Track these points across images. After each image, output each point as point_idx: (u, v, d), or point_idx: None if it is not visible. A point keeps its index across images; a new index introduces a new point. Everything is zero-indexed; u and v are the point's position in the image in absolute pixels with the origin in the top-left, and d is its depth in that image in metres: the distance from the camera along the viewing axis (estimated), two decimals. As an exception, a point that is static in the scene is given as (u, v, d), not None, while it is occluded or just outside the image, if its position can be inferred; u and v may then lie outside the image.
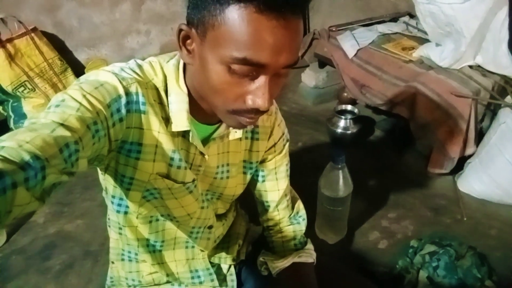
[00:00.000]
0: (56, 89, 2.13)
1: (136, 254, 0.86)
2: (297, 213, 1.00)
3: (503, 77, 1.63)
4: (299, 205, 1.01)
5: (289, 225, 0.98)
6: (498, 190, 1.51)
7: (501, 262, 1.31)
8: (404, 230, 1.47)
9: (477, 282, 1.19)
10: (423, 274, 1.23)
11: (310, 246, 0.98)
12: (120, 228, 0.81)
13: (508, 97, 1.55)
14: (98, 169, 0.72)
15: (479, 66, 1.66)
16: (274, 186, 0.92)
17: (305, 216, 1.00)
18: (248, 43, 0.51)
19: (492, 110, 1.66)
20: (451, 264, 1.22)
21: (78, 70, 2.36)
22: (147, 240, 0.81)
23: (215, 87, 0.56)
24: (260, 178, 0.92)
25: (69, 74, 2.24)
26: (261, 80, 0.54)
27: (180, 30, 0.58)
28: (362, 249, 1.39)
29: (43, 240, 1.43)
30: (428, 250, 1.28)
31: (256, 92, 0.55)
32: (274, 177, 0.91)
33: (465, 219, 1.50)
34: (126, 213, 0.76)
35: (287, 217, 0.98)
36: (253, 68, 0.53)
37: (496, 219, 1.50)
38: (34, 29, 2.09)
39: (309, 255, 0.94)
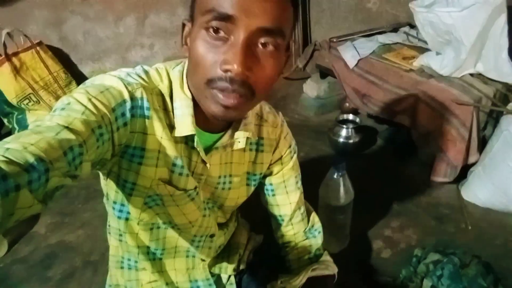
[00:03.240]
0: (60, 102, 2.15)
1: (136, 262, 0.85)
2: (312, 226, 0.99)
3: (505, 84, 1.62)
4: (314, 217, 1.00)
5: (305, 239, 0.97)
6: (503, 198, 1.49)
7: (507, 271, 1.28)
8: (408, 239, 1.45)
9: (483, 291, 1.17)
10: (427, 283, 1.20)
11: (326, 257, 0.96)
12: (121, 235, 0.81)
13: (510, 104, 1.54)
14: (101, 174, 0.72)
15: (480, 74, 1.66)
16: (285, 200, 0.92)
17: (321, 229, 0.99)
18: None
19: (494, 118, 1.65)
20: (455, 273, 1.20)
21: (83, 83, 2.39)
22: (148, 247, 0.80)
23: (196, 59, 0.56)
24: (270, 193, 0.92)
25: (74, 87, 2.27)
26: (234, 40, 0.53)
27: (183, 25, 0.62)
28: (365, 258, 1.38)
29: (44, 250, 1.43)
30: (432, 258, 1.26)
31: (228, 52, 0.53)
32: (284, 191, 0.91)
33: (469, 228, 1.48)
34: (127, 219, 0.75)
35: (302, 231, 0.96)
36: (225, 25, 0.53)
37: (502, 228, 1.48)
38: (40, 43, 2.13)
39: (324, 267, 0.92)
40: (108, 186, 0.72)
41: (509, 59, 1.57)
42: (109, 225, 0.84)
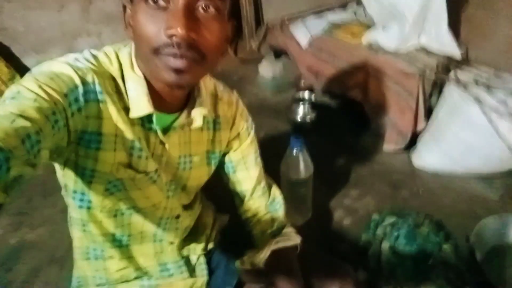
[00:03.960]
0: (5, 97, 2.04)
1: (103, 251, 0.84)
2: (274, 200, 1.01)
3: (446, 56, 1.73)
4: (275, 191, 1.02)
5: (267, 213, 0.99)
6: (449, 161, 1.61)
7: (456, 227, 1.39)
8: (366, 206, 1.53)
9: (436, 246, 1.26)
10: (385, 245, 1.29)
11: (288, 229, 0.98)
12: (84, 225, 0.79)
13: (452, 72, 1.65)
14: (57, 166, 0.71)
15: (423, 48, 1.75)
16: (246, 176, 0.94)
17: (282, 201, 1.01)
18: None
19: (438, 87, 1.75)
20: (410, 232, 1.29)
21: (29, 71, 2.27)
22: (113, 235, 0.80)
23: (140, 31, 0.57)
24: (230, 170, 0.93)
25: (17, 80, 2.15)
26: (173, 6, 0.55)
27: (124, 8, 0.63)
28: (328, 228, 1.44)
29: (4, 251, 1.38)
30: (388, 221, 1.35)
31: (170, 18, 0.55)
32: (244, 167, 0.93)
33: (421, 190, 1.58)
34: (89, 208, 0.74)
35: (264, 205, 0.99)
36: None
37: (451, 189, 1.59)
38: (-24, 36, 1.99)
39: (287, 239, 0.94)
40: (66, 177, 0.70)
41: (449, 30, 1.67)
42: (70, 217, 0.82)
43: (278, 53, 2.31)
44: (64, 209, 0.76)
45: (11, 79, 2.11)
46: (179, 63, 0.57)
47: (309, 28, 1.99)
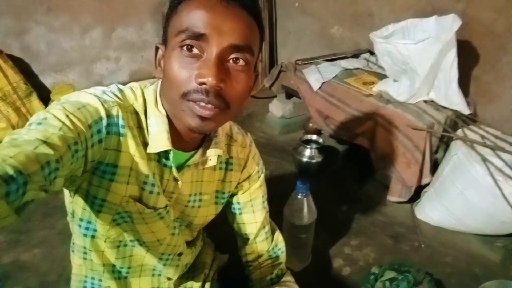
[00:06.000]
0: (19, 113, 2.08)
1: (100, 281, 0.84)
2: (276, 245, 1.01)
3: (455, 112, 1.76)
4: (278, 237, 1.03)
5: (268, 258, 0.99)
6: (452, 218, 1.59)
7: (455, 287, 1.36)
8: (366, 257, 1.51)
9: (434, 307, 1.24)
10: (383, 300, 1.26)
11: (287, 278, 0.98)
12: (85, 253, 0.80)
13: (459, 130, 1.67)
14: (66, 192, 0.72)
15: (432, 101, 1.78)
16: (251, 219, 0.94)
17: (284, 248, 1.02)
18: (190, 17, 0.58)
19: (445, 142, 1.77)
20: (409, 290, 1.26)
21: (44, 94, 2.32)
22: (113, 266, 0.80)
23: (171, 75, 0.59)
24: (237, 211, 0.94)
25: (34, 98, 2.20)
26: (207, 56, 0.58)
27: (156, 49, 0.67)
28: (326, 276, 1.42)
29: (-3, 270, 1.36)
30: (388, 276, 1.32)
31: (202, 67, 0.57)
32: (251, 210, 0.94)
33: (422, 246, 1.56)
34: (93, 237, 0.75)
35: (266, 250, 0.99)
36: (198, 43, 0.57)
37: (452, 247, 1.57)
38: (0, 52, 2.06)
39: None
40: (74, 204, 0.71)
41: (459, 89, 1.70)
42: (73, 243, 0.83)
43: (289, 94, 2.35)
44: (61, 233, 0.76)
45: (28, 96, 2.17)
46: (205, 112, 0.59)
47: (322, 72, 2.03)
